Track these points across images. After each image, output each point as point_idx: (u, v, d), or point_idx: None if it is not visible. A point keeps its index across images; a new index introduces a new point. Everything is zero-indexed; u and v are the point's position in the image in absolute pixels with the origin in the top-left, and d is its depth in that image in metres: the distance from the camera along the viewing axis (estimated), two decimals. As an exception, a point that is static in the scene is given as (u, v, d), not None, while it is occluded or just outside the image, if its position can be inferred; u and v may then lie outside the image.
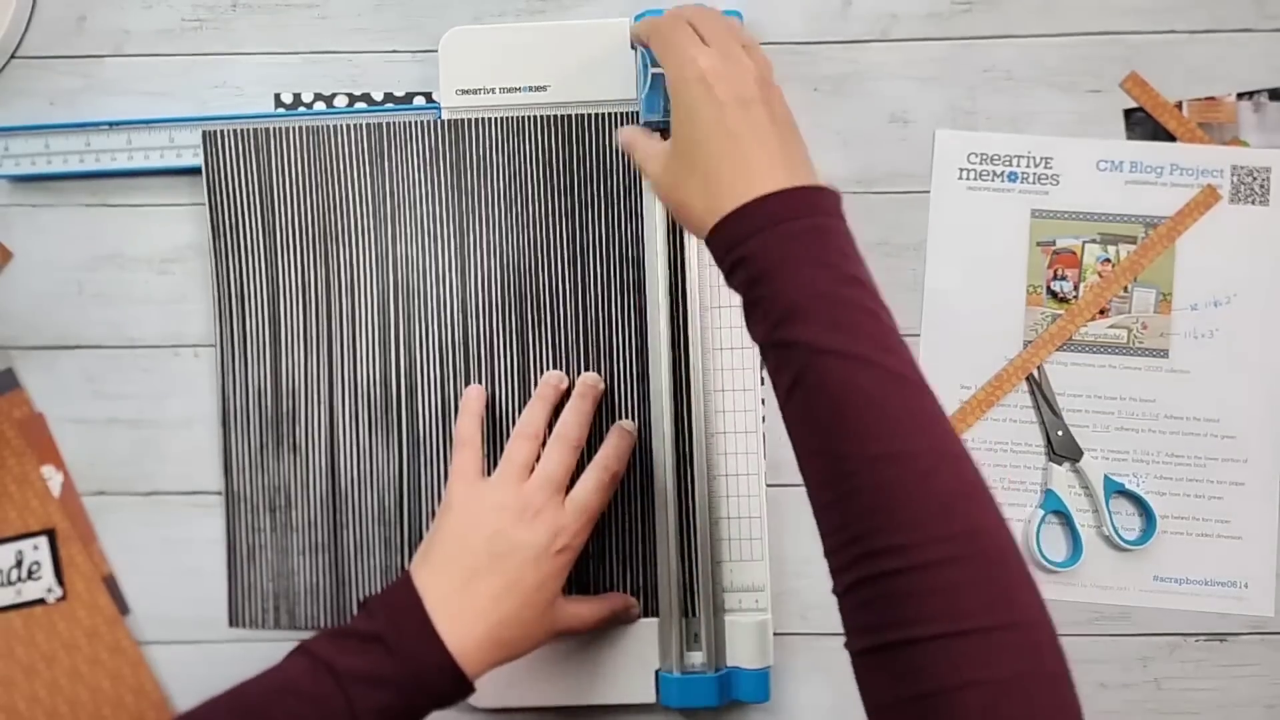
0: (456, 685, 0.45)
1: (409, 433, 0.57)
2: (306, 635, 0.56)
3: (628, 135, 0.50)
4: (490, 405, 0.56)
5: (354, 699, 0.43)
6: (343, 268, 0.57)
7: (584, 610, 0.52)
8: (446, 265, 0.57)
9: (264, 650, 0.57)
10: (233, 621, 0.58)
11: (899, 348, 0.38)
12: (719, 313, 0.56)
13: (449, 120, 0.57)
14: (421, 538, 0.56)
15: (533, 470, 0.50)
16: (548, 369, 0.56)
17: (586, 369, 0.56)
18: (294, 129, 0.57)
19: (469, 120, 0.56)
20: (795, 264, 0.39)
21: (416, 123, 0.57)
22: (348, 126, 0.57)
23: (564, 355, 0.56)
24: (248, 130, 0.57)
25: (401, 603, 0.46)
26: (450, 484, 0.51)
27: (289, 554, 0.57)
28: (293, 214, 0.57)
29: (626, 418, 0.56)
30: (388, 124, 0.57)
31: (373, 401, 0.57)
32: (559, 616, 0.49)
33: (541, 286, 0.56)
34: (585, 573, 0.56)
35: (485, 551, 0.47)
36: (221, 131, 0.57)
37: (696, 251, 0.56)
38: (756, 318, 0.40)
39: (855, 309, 0.39)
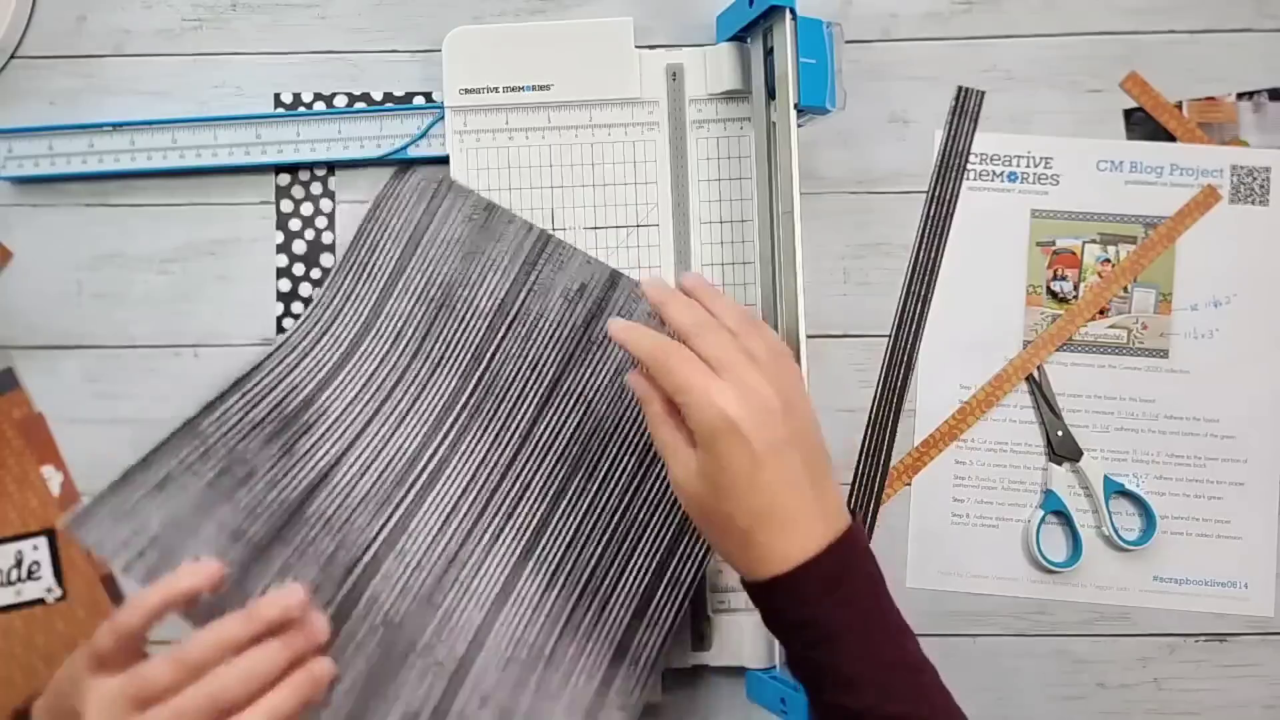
0: None
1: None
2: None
3: (653, 410, 0.45)
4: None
5: None
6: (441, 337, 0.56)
7: None
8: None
9: (264, 650, 0.57)
10: None
11: (940, 699, 0.42)
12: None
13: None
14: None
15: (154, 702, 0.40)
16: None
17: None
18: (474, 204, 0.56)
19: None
20: (849, 635, 0.42)
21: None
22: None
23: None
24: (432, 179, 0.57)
25: None
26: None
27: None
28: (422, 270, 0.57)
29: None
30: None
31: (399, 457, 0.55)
32: None
33: None
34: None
35: None
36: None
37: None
38: (809, 672, 0.43)
39: (902, 669, 0.42)
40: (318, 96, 0.59)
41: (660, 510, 0.54)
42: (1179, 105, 0.58)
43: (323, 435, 0.54)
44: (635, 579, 0.54)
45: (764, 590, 0.43)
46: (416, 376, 0.55)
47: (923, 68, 0.59)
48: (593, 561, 0.54)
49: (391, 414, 0.55)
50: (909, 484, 0.58)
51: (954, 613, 0.57)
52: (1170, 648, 0.57)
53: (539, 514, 0.54)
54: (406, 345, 0.56)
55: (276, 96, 0.59)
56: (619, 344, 0.45)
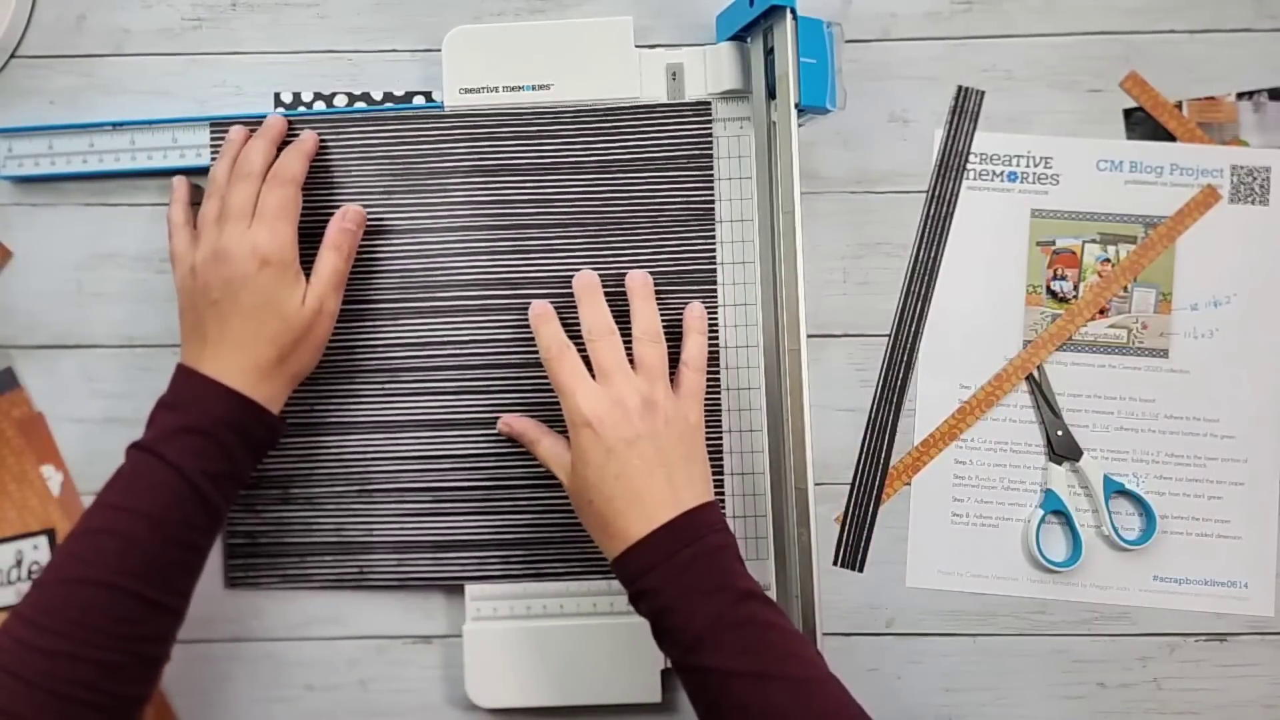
0: (247, 410, 0.49)
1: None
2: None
3: (525, 430, 0.54)
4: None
5: (166, 454, 0.47)
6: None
7: (319, 278, 0.52)
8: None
9: (263, 649, 0.57)
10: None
11: (797, 648, 0.44)
12: (721, 311, 0.56)
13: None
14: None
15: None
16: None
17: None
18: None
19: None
20: (692, 595, 0.45)
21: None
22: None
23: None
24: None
25: (173, 375, 0.50)
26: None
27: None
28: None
29: None
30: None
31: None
32: (305, 308, 0.51)
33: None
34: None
35: (208, 303, 0.50)
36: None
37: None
38: (667, 643, 0.46)
39: (752, 626, 0.44)
40: (318, 96, 0.59)
41: None
42: (1179, 105, 0.58)
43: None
44: None
45: (617, 567, 0.47)
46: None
47: (923, 68, 0.59)
48: None
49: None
50: (909, 484, 0.58)
51: (954, 613, 0.57)
52: (1170, 647, 0.57)
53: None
54: None
55: (276, 96, 0.59)
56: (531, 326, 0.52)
